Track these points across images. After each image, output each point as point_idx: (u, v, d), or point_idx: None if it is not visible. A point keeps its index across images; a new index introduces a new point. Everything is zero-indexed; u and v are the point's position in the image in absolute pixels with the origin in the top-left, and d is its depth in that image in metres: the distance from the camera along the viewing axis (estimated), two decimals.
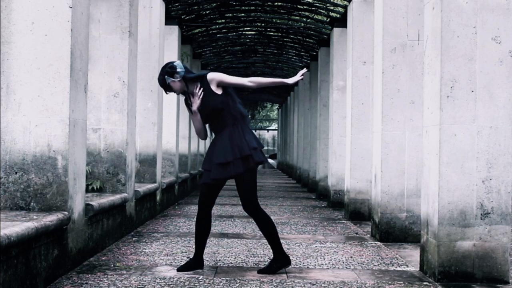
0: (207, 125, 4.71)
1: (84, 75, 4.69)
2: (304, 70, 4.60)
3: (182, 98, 12.11)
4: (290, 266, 4.74)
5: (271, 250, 5.46)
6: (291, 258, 5.16)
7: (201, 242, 4.62)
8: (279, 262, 4.59)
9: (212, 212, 8.89)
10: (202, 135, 4.73)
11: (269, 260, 4.92)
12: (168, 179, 9.56)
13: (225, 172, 4.46)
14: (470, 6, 4.33)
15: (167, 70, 4.54)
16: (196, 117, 4.61)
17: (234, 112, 4.55)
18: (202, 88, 4.53)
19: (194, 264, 4.60)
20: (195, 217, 8.25)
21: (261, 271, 4.57)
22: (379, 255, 5.54)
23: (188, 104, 4.70)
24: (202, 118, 4.61)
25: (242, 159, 4.45)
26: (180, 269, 4.55)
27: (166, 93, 4.70)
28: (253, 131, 48.52)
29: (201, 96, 4.53)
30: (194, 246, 5.63)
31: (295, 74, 19.22)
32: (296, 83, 4.80)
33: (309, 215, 9.01)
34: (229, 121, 4.53)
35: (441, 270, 4.35)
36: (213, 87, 4.53)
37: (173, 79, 4.54)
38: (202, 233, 4.61)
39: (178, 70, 4.53)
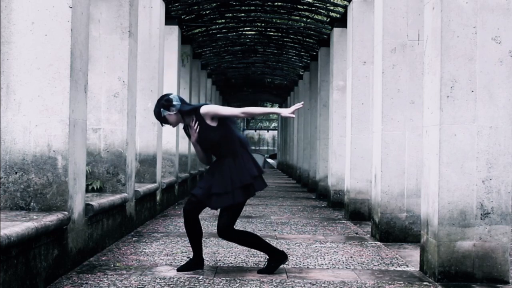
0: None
1: (84, 75, 4.69)
2: (300, 104, 4.47)
3: (181, 95, 12.13)
4: (288, 262, 4.74)
5: None
6: (291, 258, 5.17)
7: (196, 244, 4.62)
8: (276, 260, 4.59)
9: (212, 212, 8.89)
10: (205, 162, 4.72)
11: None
12: (168, 179, 9.56)
13: (225, 201, 4.42)
14: (470, 6, 4.33)
15: (163, 103, 4.50)
16: (196, 147, 4.61)
17: (232, 142, 4.51)
18: (197, 122, 4.49)
19: (194, 264, 4.60)
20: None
21: (260, 271, 4.58)
22: (379, 255, 5.54)
23: (187, 133, 4.68)
24: (202, 149, 4.60)
25: (243, 188, 4.44)
26: (180, 269, 4.55)
27: (162, 125, 4.66)
28: (253, 131, 48.47)
29: (197, 130, 4.49)
30: None
31: (294, 74, 19.24)
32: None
33: (309, 215, 9.01)
34: (229, 152, 4.49)
35: (441, 270, 4.35)
36: (208, 121, 4.47)
37: (169, 112, 4.49)
38: (195, 237, 4.60)
39: (174, 103, 4.48)
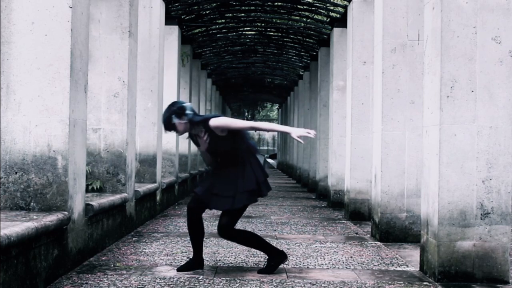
0: None
1: (84, 75, 4.68)
2: (313, 134, 4.34)
3: (181, 95, 12.13)
4: (288, 262, 4.75)
5: None
6: (291, 258, 5.17)
7: (197, 244, 4.62)
8: (276, 260, 4.60)
9: (212, 212, 8.89)
10: (214, 166, 4.67)
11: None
12: (168, 179, 9.56)
13: (223, 204, 4.43)
14: (470, 6, 4.33)
15: (176, 110, 4.42)
16: (205, 155, 4.59)
17: (242, 150, 4.52)
18: (207, 133, 4.44)
19: (194, 264, 4.60)
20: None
21: (261, 271, 4.58)
22: (379, 255, 5.54)
23: (194, 141, 4.64)
24: (211, 156, 4.57)
25: (246, 193, 4.43)
26: (180, 269, 4.56)
27: (165, 132, 4.59)
28: (253, 131, 48.74)
29: (207, 141, 4.46)
30: None
31: (294, 74, 19.24)
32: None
33: (309, 215, 9.01)
34: (239, 159, 4.49)
35: (441, 270, 4.35)
36: (218, 132, 4.45)
37: (180, 121, 4.43)
38: (196, 236, 4.60)
39: (187, 112, 4.42)
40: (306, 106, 16.04)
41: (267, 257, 5.15)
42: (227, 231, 4.51)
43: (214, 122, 4.40)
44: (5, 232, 3.21)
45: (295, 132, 4.37)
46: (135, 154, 7.40)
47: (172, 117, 4.42)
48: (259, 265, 4.86)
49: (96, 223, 5.25)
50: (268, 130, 4.59)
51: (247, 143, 4.56)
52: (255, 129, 4.55)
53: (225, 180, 4.46)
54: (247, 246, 4.68)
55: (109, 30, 6.31)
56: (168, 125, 4.46)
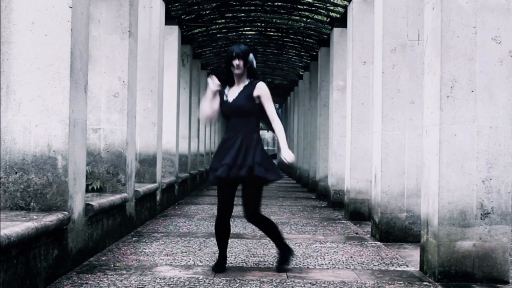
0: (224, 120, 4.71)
1: (84, 75, 4.68)
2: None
3: (182, 98, 12.10)
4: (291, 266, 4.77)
5: (271, 250, 5.47)
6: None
7: (226, 244, 4.70)
8: (285, 256, 4.70)
9: (213, 212, 8.89)
10: (207, 114, 4.65)
11: (277, 257, 4.93)
12: (168, 179, 9.56)
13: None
14: (470, 6, 4.33)
15: (254, 53, 4.65)
16: (212, 103, 4.55)
17: (258, 124, 4.60)
18: (248, 89, 4.56)
19: (224, 263, 4.68)
20: (194, 217, 8.26)
21: (279, 268, 4.64)
22: (379, 255, 5.54)
23: (222, 95, 4.63)
24: (227, 111, 4.58)
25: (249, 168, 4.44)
26: (219, 270, 4.59)
27: (235, 60, 4.55)
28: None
29: (243, 94, 4.56)
30: (194, 246, 5.65)
31: (294, 74, 19.24)
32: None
33: (309, 215, 9.01)
34: (254, 131, 4.55)
35: (441, 270, 4.35)
36: (255, 94, 4.56)
37: (254, 62, 4.62)
38: (225, 236, 4.67)
39: (254, 62, 4.65)
40: (306, 106, 16.04)
41: (270, 257, 5.15)
42: (257, 214, 4.54)
43: (263, 85, 4.59)
44: (5, 232, 3.21)
45: (286, 152, 4.58)
46: (135, 154, 7.40)
47: (251, 54, 4.60)
48: (259, 265, 4.87)
49: (96, 223, 5.25)
50: (278, 135, 4.64)
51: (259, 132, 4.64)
52: (276, 125, 4.61)
53: (255, 149, 4.47)
54: (268, 235, 4.69)
55: (109, 30, 6.31)
56: (245, 54, 4.55)
